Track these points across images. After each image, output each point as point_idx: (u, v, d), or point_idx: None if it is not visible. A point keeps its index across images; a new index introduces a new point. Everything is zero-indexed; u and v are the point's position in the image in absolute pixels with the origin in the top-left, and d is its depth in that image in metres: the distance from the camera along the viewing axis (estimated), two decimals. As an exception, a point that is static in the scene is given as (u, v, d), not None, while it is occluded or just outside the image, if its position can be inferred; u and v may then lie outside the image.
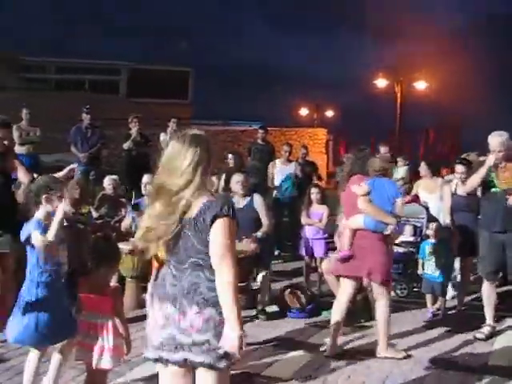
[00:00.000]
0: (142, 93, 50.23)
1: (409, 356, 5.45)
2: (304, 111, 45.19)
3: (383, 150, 9.91)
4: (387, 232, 5.39)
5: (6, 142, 5.44)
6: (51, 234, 3.86)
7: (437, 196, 7.89)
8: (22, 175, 5.53)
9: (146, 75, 56.66)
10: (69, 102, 33.12)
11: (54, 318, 3.99)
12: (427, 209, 7.93)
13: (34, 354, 4.14)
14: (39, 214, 4.06)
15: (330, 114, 45.15)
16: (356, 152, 5.79)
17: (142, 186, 7.27)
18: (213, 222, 2.84)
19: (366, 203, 5.39)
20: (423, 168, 8.37)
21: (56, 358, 4.28)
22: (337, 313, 5.55)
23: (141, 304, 6.63)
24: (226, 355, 2.86)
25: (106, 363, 3.93)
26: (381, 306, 5.48)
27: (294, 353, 5.53)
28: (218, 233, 2.84)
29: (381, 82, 29.83)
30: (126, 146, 10.79)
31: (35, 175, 5.23)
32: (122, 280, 6.76)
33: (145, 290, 6.82)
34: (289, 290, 6.88)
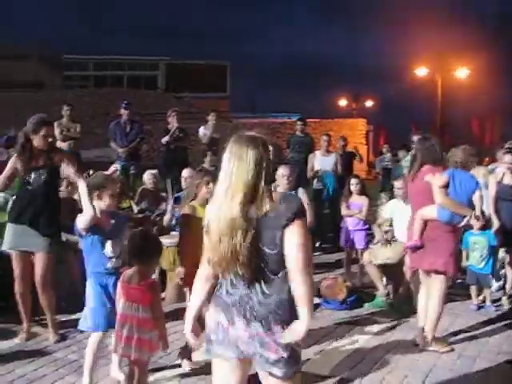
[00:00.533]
0: (181, 87, 50.54)
1: (452, 349, 5.35)
2: (343, 102, 44.83)
3: (416, 138, 9.81)
4: (462, 224, 5.29)
5: (50, 140, 5.45)
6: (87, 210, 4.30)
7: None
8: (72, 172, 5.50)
9: (184, 70, 56.98)
10: (108, 97, 33.54)
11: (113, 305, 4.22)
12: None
13: (95, 337, 4.39)
14: None
15: (369, 104, 44.69)
16: (421, 142, 5.52)
17: (182, 180, 7.28)
18: (287, 225, 2.75)
19: (444, 196, 5.22)
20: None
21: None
22: (420, 307, 5.59)
23: (181, 297, 6.67)
24: (288, 362, 2.82)
25: (141, 356, 3.97)
26: (436, 298, 5.34)
27: (335, 346, 5.49)
28: (294, 239, 2.75)
29: (421, 71, 29.38)
30: (164, 140, 10.84)
31: (91, 172, 5.29)
32: (163, 273, 6.82)
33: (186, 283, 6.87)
34: (330, 281, 6.83)
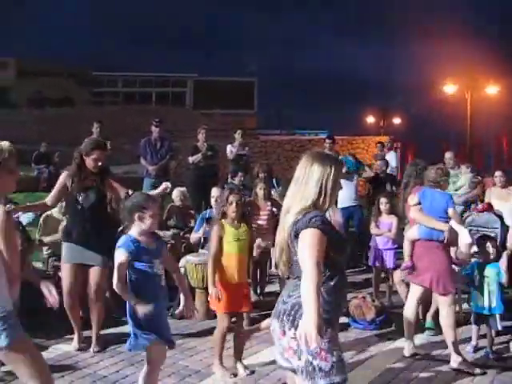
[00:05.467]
0: (208, 104, 50.88)
1: (485, 372, 5.26)
2: (370, 119, 44.77)
3: (447, 155, 9.79)
4: (442, 238, 5.39)
5: (99, 163, 5.56)
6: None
7: (511, 205, 7.64)
8: (121, 193, 5.61)
9: (212, 86, 57.39)
10: (136, 114, 33.95)
11: (155, 326, 4.11)
12: (501, 218, 7.67)
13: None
14: (133, 231, 4.18)
15: (397, 121, 44.53)
16: (412, 165, 6.24)
17: (212, 200, 7.30)
18: (297, 234, 2.99)
19: (417, 212, 5.64)
20: (498, 176, 8.11)
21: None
22: (407, 316, 5.70)
23: (210, 316, 6.67)
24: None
25: None
26: (443, 317, 5.45)
27: (366, 365, 5.43)
28: (301, 245, 2.96)
29: (449, 88, 29.23)
30: (192, 159, 10.95)
31: (130, 192, 5.33)
32: (191, 290, 6.82)
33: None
34: (358, 301, 6.77)
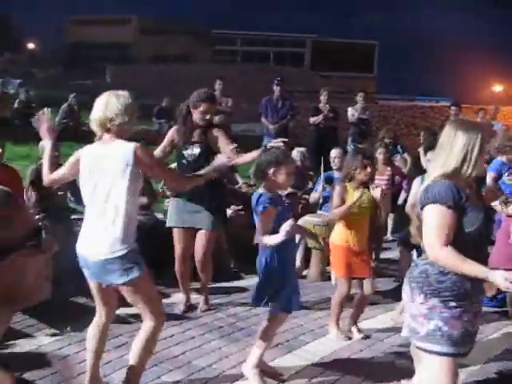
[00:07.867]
0: (326, 65, 50.34)
1: None
2: (498, 87, 42.66)
3: None
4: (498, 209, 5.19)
5: (207, 117, 5.25)
6: None
7: None
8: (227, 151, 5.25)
9: (331, 48, 56.66)
10: (254, 73, 34.17)
11: (287, 287, 4.10)
12: None
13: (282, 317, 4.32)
14: (263, 189, 4.06)
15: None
16: None
17: (331, 160, 7.23)
18: (422, 207, 2.96)
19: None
20: None
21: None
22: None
23: (323, 276, 6.68)
24: (455, 341, 2.92)
25: None
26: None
27: (483, 343, 5.21)
28: (424, 220, 2.94)
29: None
30: (313, 120, 10.90)
31: (268, 146, 5.21)
32: (308, 251, 6.84)
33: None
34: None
